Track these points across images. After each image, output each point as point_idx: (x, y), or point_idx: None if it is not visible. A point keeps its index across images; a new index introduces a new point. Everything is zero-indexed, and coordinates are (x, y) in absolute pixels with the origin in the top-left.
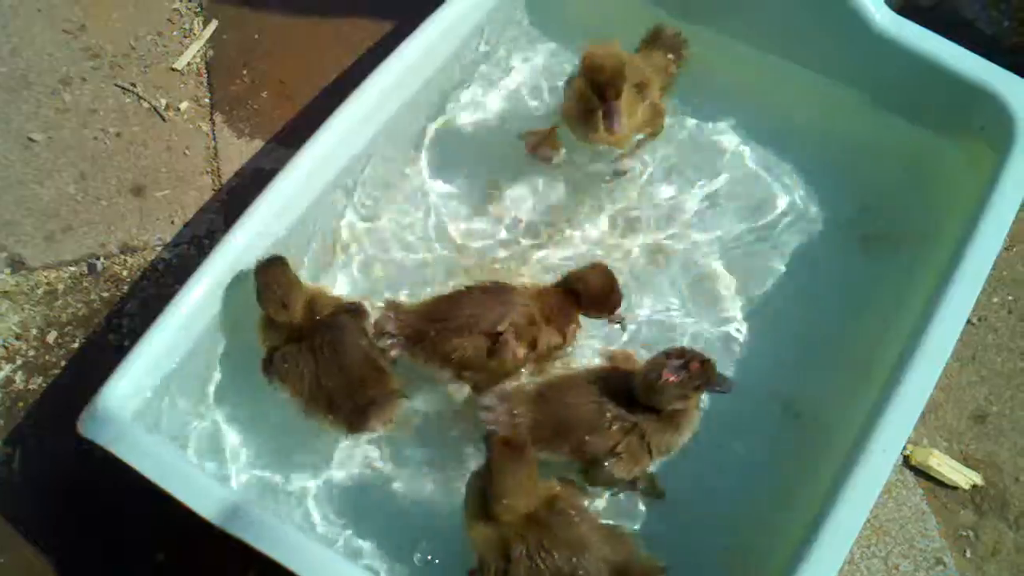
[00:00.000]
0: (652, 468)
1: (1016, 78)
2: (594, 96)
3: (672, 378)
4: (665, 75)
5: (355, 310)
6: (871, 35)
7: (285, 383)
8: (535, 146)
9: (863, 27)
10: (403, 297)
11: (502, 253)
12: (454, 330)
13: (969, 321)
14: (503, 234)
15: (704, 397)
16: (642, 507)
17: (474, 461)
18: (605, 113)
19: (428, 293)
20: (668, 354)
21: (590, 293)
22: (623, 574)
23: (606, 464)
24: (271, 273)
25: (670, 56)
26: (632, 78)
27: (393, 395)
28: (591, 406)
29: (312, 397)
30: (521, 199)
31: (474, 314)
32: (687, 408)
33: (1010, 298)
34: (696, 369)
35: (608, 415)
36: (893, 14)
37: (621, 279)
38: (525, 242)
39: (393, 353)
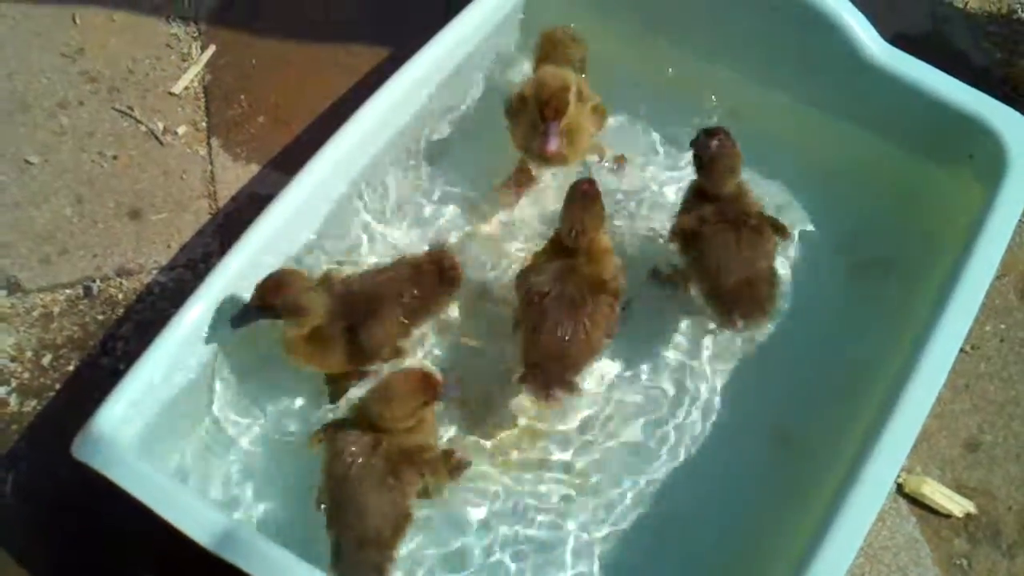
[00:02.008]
0: None
1: (1007, 109)
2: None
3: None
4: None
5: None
6: (864, 65)
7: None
8: (516, 187)
9: (856, 57)
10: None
11: (499, 281)
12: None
13: (962, 350)
14: (504, 264)
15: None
16: (634, 537)
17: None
18: (543, 132)
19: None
20: (711, 133)
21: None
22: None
23: None
24: (280, 294)
25: (573, 46)
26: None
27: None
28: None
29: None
30: (520, 226)
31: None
32: None
33: (1002, 327)
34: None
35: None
36: (886, 44)
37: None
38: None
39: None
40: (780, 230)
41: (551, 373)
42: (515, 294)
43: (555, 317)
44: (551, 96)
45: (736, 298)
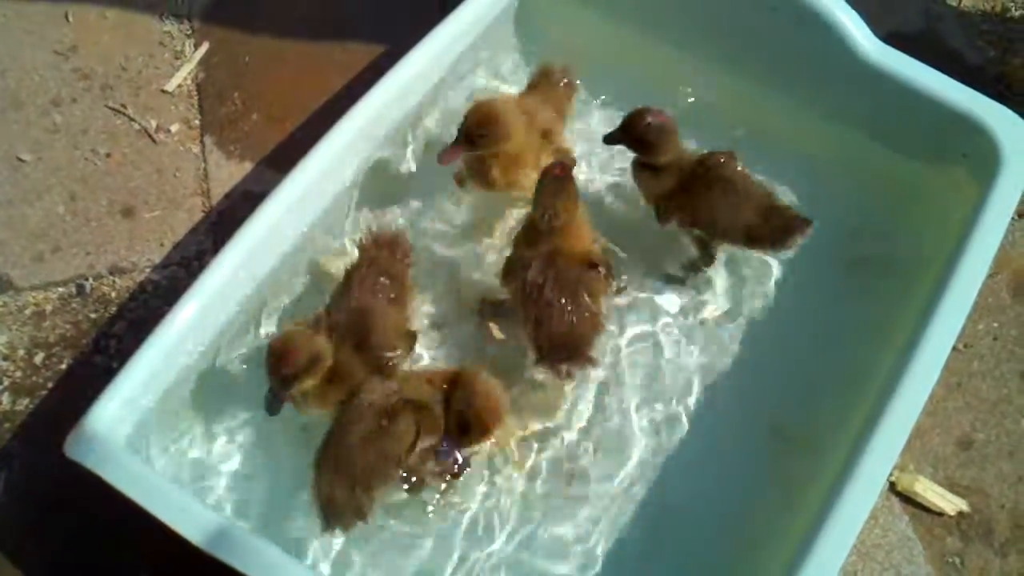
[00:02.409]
0: None
1: (1001, 107)
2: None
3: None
4: (564, 111)
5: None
6: (857, 63)
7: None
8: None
9: (849, 55)
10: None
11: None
12: None
13: (955, 348)
14: (496, 259)
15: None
16: (626, 532)
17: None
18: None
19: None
20: (643, 115)
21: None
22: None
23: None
24: (293, 360)
25: (563, 86)
26: (537, 125)
27: None
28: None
29: None
30: (519, 222)
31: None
32: None
33: (995, 325)
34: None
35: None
36: (880, 43)
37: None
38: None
39: None
40: (732, 155)
41: (566, 353)
42: (506, 291)
43: (557, 303)
44: (472, 123)
45: (772, 233)
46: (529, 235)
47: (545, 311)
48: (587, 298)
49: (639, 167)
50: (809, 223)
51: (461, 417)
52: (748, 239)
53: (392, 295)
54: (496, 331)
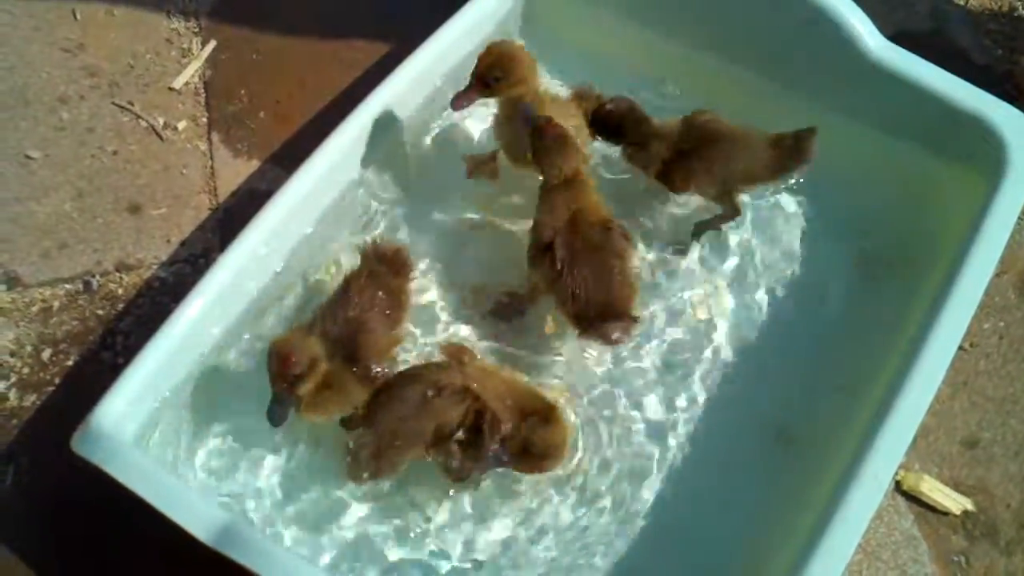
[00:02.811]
0: None
1: (1008, 106)
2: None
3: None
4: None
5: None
6: (864, 62)
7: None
8: (472, 171)
9: (856, 54)
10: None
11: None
12: None
13: (961, 347)
14: (503, 253)
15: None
16: (633, 534)
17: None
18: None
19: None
20: (601, 106)
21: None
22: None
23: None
24: (293, 363)
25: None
26: (566, 119)
27: None
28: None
29: None
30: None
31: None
32: None
33: (1001, 324)
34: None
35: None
36: (887, 42)
37: None
38: None
39: None
40: (711, 111)
41: (611, 316)
42: (531, 273)
43: (588, 274)
44: (485, 65)
45: (791, 153)
46: (546, 202)
47: (580, 283)
48: (615, 260)
49: (626, 148)
50: (813, 129)
51: (523, 450)
52: (773, 171)
53: (388, 311)
54: (551, 324)
